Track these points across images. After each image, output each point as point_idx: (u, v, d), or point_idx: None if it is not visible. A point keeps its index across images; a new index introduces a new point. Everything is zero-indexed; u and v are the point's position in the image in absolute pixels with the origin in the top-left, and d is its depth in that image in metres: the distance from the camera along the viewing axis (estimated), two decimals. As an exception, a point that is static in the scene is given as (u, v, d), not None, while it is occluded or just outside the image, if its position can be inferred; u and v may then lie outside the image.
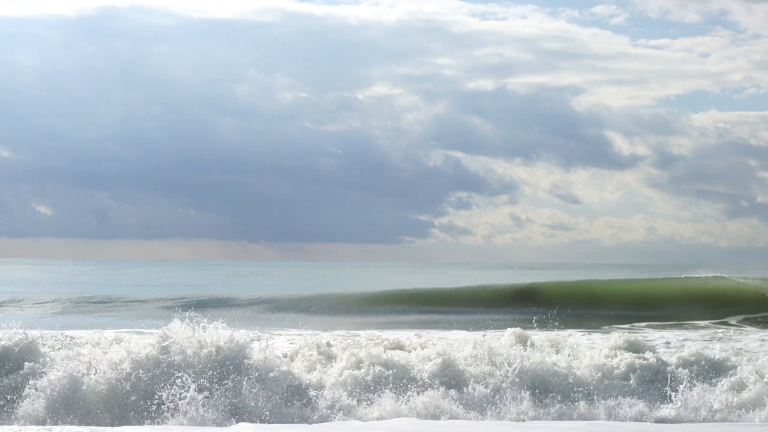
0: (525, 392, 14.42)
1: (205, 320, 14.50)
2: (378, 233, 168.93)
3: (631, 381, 15.34)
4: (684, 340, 22.47)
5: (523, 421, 13.47)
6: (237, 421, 12.92)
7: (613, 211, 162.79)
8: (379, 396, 14.19)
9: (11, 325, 14.97)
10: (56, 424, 12.80)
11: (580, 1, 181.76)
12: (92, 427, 12.23)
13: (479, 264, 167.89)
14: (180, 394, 13.22)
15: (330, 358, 15.95)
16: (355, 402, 14.13)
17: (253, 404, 13.53)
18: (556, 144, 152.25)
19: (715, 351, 16.27)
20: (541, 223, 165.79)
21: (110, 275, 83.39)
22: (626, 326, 27.39)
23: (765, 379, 14.65)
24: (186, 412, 13.03)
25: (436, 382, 14.71)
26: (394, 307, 35.20)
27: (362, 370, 14.83)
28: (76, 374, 13.79)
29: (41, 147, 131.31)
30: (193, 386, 13.25)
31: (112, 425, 12.68)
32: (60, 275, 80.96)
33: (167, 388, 13.36)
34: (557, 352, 16.27)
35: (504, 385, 14.69)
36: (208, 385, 13.54)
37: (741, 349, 19.67)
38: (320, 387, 14.61)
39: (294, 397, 14.00)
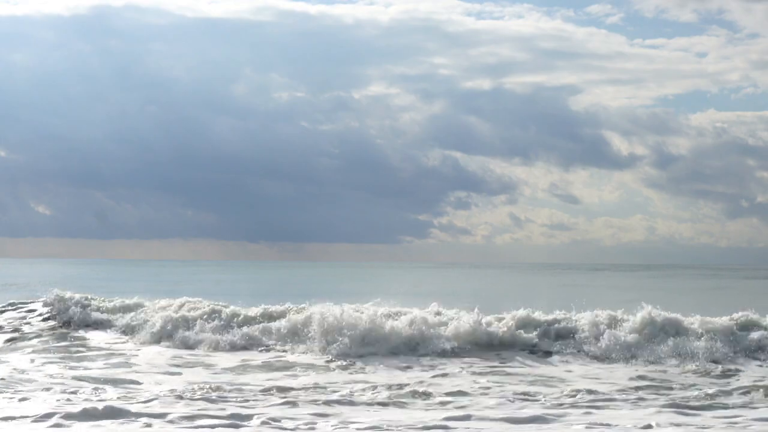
0: None
1: None
2: (377, 233, 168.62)
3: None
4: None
5: None
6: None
7: (612, 211, 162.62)
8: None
9: None
10: None
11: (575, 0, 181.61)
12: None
13: (479, 264, 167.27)
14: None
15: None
16: None
17: None
18: (555, 144, 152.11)
19: None
20: (541, 223, 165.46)
21: None
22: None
23: None
24: None
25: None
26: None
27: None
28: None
29: (37, 147, 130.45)
30: None
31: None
32: None
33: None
34: None
35: None
36: None
37: None
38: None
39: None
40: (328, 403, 13.71)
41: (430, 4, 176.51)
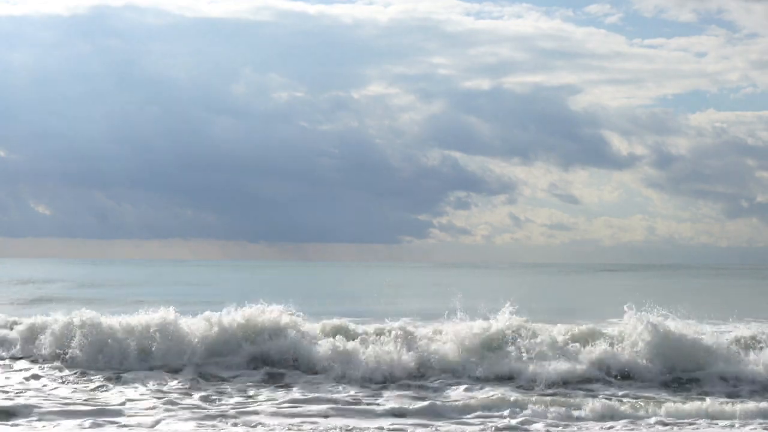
0: None
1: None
2: (377, 233, 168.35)
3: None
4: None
5: None
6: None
7: (612, 211, 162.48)
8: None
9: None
10: None
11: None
12: None
13: (479, 264, 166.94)
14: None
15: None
16: None
17: None
18: (554, 144, 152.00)
19: None
20: (541, 222, 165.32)
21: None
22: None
23: None
24: None
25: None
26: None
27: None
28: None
29: (37, 147, 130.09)
30: None
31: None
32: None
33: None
34: None
35: None
36: None
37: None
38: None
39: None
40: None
41: (429, 3, 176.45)
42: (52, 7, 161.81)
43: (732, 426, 13.05)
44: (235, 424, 12.72)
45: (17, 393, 14.89)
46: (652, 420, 13.29)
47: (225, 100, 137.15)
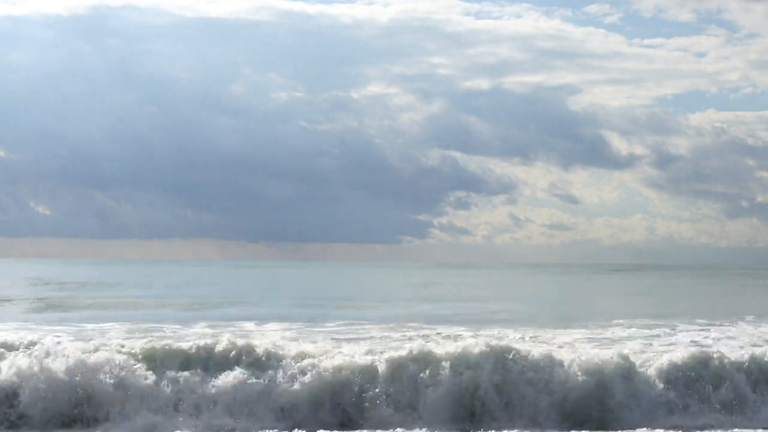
0: None
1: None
2: (377, 233, 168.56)
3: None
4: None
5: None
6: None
7: (612, 211, 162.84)
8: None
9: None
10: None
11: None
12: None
13: (480, 264, 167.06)
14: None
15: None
16: None
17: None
18: (554, 144, 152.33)
19: None
20: (541, 223, 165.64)
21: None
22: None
23: None
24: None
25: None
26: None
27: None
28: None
29: (37, 147, 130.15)
30: None
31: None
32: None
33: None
34: None
35: None
36: None
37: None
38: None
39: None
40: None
41: (428, 3, 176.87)
42: (51, 7, 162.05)
43: None
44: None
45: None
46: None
47: (224, 100, 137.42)
